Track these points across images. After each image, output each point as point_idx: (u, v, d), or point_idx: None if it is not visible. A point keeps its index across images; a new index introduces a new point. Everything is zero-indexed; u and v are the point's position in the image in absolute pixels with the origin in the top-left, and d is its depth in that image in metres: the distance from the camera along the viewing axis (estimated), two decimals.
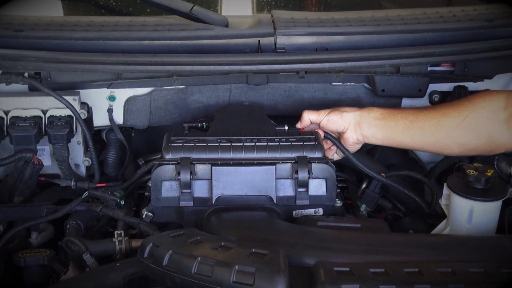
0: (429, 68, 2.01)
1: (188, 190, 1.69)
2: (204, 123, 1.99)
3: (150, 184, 1.76)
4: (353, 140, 1.83)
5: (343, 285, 1.26)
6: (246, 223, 1.62)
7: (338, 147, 1.88)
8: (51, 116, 1.94)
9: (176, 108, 2.10)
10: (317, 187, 1.72)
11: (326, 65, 1.87)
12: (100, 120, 2.07)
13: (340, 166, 2.09)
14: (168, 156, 1.71)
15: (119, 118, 2.08)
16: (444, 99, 2.07)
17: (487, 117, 1.71)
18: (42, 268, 1.64)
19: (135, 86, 2.05)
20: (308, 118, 1.86)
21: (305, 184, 1.69)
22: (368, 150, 2.12)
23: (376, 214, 1.98)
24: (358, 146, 1.88)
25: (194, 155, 1.71)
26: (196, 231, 1.51)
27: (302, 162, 1.68)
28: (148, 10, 2.25)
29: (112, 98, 2.05)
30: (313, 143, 1.75)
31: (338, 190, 1.83)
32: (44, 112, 1.94)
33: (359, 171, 1.95)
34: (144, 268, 1.42)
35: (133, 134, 2.21)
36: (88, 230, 1.83)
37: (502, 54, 1.88)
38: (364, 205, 1.95)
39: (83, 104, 2.01)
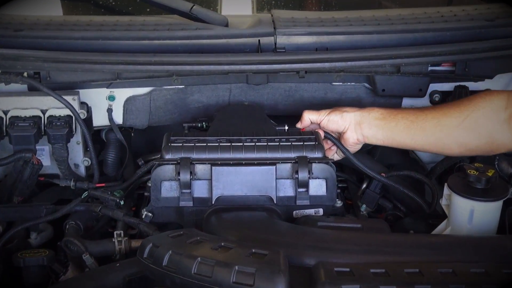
0: (430, 68, 2.00)
1: (188, 190, 1.69)
2: (204, 123, 1.99)
3: (149, 184, 1.76)
4: (353, 140, 1.83)
5: (343, 286, 1.25)
6: (246, 224, 1.62)
7: (338, 147, 1.87)
8: (50, 116, 1.93)
9: (175, 108, 2.10)
10: (317, 187, 1.72)
11: (326, 64, 1.86)
12: (99, 120, 2.07)
13: (340, 166, 2.09)
14: (168, 156, 1.71)
15: (118, 118, 2.08)
16: (445, 99, 2.07)
17: (487, 117, 1.71)
18: (42, 269, 1.64)
19: (134, 86, 2.04)
20: (309, 118, 1.86)
21: (305, 184, 1.69)
22: (369, 150, 2.12)
23: (376, 214, 1.97)
24: (359, 147, 1.87)
25: (194, 155, 1.71)
26: (196, 231, 1.51)
27: (302, 162, 1.68)
28: (148, 10, 2.25)
29: (111, 98, 2.05)
30: (313, 143, 1.74)
31: (339, 190, 1.82)
32: (44, 112, 1.94)
33: (359, 171, 1.94)
34: (144, 269, 1.42)
35: (132, 134, 2.21)
36: (88, 230, 1.83)
37: (503, 54, 1.87)
38: (364, 205, 1.95)
39: (83, 104, 2.00)
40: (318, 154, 1.72)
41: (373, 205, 1.95)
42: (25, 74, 1.92)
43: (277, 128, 1.90)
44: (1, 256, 1.67)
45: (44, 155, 2.00)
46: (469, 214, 1.60)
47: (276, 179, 1.70)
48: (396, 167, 2.08)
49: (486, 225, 1.61)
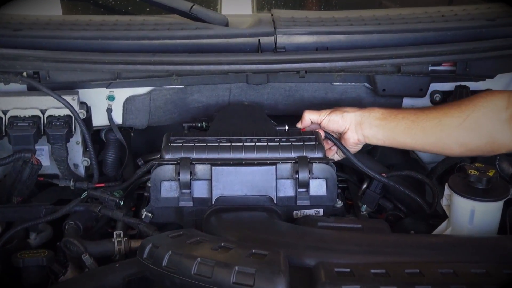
0: (430, 68, 2.00)
1: (188, 191, 1.68)
2: (203, 123, 1.99)
3: (149, 184, 1.75)
4: (354, 140, 1.83)
5: (343, 286, 1.25)
6: (246, 224, 1.61)
7: (338, 147, 1.87)
8: (50, 116, 1.93)
9: (175, 107, 2.10)
10: (318, 187, 1.71)
11: (327, 64, 1.86)
12: (99, 120, 2.06)
13: (340, 166, 2.08)
14: (168, 156, 1.70)
15: (118, 118, 2.07)
16: (446, 99, 2.07)
17: (488, 117, 1.71)
18: (41, 269, 1.63)
19: (134, 85, 2.04)
20: (309, 118, 1.85)
21: (305, 185, 1.68)
22: (369, 150, 2.12)
23: (377, 215, 1.97)
24: (359, 147, 1.87)
25: (194, 155, 1.70)
26: (195, 231, 1.50)
27: (302, 162, 1.67)
28: (148, 9, 2.25)
29: (111, 97, 2.04)
30: (314, 143, 1.74)
31: (339, 191, 1.82)
32: (43, 111, 1.93)
33: (359, 171, 1.94)
34: (144, 269, 1.42)
35: (132, 134, 2.21)
36: (87, 230, 1.82)
37: (503, 54, 1.87)
38: (364, 206, 1.95)
39: (82, 104, 2.00)
40: (318, 154, 1.72)
41: (373, 205, 1.95)
42: (25, 73, 1.92)
43: (277, 128, 1.90)
44: (1, 257, 1.67)
45: (44, 155, 2.00)
46: (469, 214, 1.59)
47: (276, 179, 1.70)
48: (396, 167, 2.08)
49: (487, 225, 1.60)
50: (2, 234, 1.73)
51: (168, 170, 1.70)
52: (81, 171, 2.07)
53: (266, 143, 1.73)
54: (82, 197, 1.84)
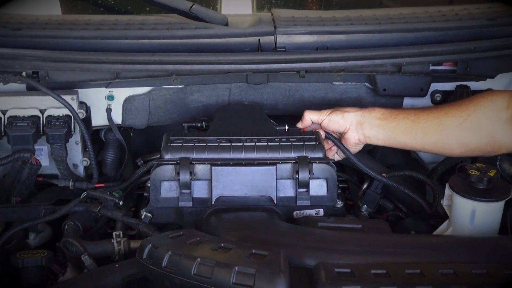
0: (431, 67, 2.00)
1: (188, 191, 1.68)
2: (203, 122, 1.98)
3: (149, 185, 1.75)
4: (354, 140, 1.82)
5: (344, 287, 1.25)
6: (246, 224, 1.61)
7: (339, 147, 1.87)
8: (49, 116, 1.93)
9: (175, 107, 2.09)
10: (318, 187, 1.71)
11: (327, 64, 1.86)
12: (98, 119, 2.06)
13: (341, 166, 2.08)
14: (167, 156, 1.70)
15: (117, 118, 2.07)
16: (446, 99, 2.07)
17: (489, 116, 1.70)
18: (40, 269, 1.63)
19: (134, 85, 2.04)
20: (310, 118, 1.85)
21: (305, 185, 1.68)
22: (370, 150, 2.11)
23: (377, 215, 1.97)
24: (360, 147, 1.87)
25: (194, 155, 1.70)
26: (195, 232, 1.50)
27: (302, 162, 1.67)
28: (147, 9, 2.24)
29: (110, 97, 2.04)
30: (314, 143, 1.74)
31: (339, 191, 1.82)
32: (42, 111, 1.93)
33: (360, 171, 1.93)
34: (143, 269, 1.41)
35: (132, 134, 2.20)
36: (87, 231, 1.82)
37: (504, 53, 1.86)
38: (365, 206, 1.94)
39: (82, 104, 2.00)
40: (318, 154, 1.71)
41: (374, 206, 1.94)
42: (24, 73, 1.92)
43: (277, 128, 1.89)
44: (0, 257, 1.66)
45: (43, 155, 1.99)
46: (470, 214, 1.59)
47: (276, 179, 1.69)
48: (397, 167, 2.07)
49: (487, 225, 1.60)
50: (1, 235, 1.73)
51: (167, 170, 1.69)
52: (81, 171, 2.07)
53: (266, 143, 1.73)
54: (81, 197, 1.84)
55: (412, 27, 1.93)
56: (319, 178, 1.70)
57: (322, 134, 1.83)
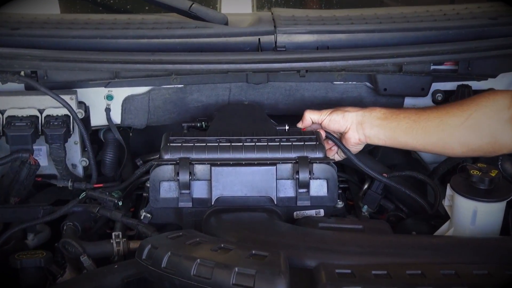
0: (432, 67, 1.99)
1: (187, 191, 1.67)
2: (203, 122, 1.98)
3: (148, 185, 1.75)
4: (355, 140, 1.81)
5: (344, 287, 1.24)
6: (246, 225, 1.61)
7: (339, 147, 1.86)
8: (47, 116, 1.92)
9: (175, 107, 2.09)
10: (318, 187, 1.70)
11: (327, 63, 1.85)
12: (97, 119, 2.06)
13: (341, 166, 2.07)
14: (167, 156, 1.69)
15: (117, 118, 2.06)
16: (447, 98, 2.06)
17: (490, 116, 1.70)
18: (39, 270, 1.63)
19: (133, 85, 2.03)
20: (310, 117, 1.84)
21: (306, 185, 1.68)
22: (370, 150, 2.11)
23: (378, 215, 1.97)
24: (360, 147, 1.86)
25: (193, 155, 1.69)
26: (195, 232, 1.50)
27: (303, 163, 1.66)
28: (147, 8, 2.24)
29: (109, 97, 2.03)
30: (314, 143, 1.73)
31: (340, 191, 1.81)
32: (41, 111, 1.93)
33: (361, 171, 1.93)
34: (142, 270, 1.41)
35: (131, 134, 2.20)
36: (86, 231, 1.82)
37: (506, 53, 1.86)
38: (366, 206, 1.94)
39: (80, 104, 2.00)
40: (319, 154, 1.71)
41: (374, 206, 1.94)
42: (22, 73, 1.91)
43: (277, 128, 1.89)
44: None
45: (41, 155, 1.99)
46: (472, 215, 1.59)
47: (276, 179, 1.69)
48: (398, 167, 2.07)
49: (489, 226, 1.60)
50: (0, 235, 1.72)
51: (167, 170, 1.69)
52: (79, 171, 2.06)
53: (266, 143, 1.72)
54: (80, 197, 1.84)
55: (413, 26, 1.93)
56: (319, 178, 1.70)
57: (323, 134, 1.82)
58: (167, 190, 1.69)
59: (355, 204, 2.00)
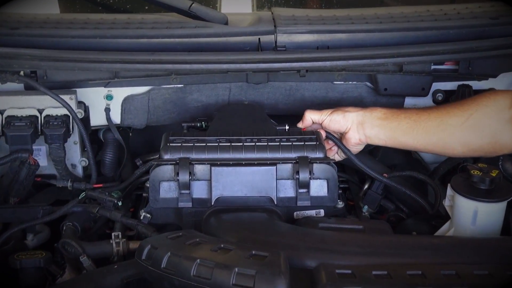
0: (433, 67, 1.99)
1: (187, 191, 1.67)
2: (203, 122, 1.97)
3: (148, 185, 1.74)
4: (355, 140, 1.81)
5: None
6: (246, 225, 1.60)
7: (339, 148, 1.86)
8: (47, 116, 1.92)
9: (174, 107, 2.08)
10: (319, 188, 1.70)
11: (328, 63, 1.85)
12: (97, 119, 2.05)
13: (342, 166, 2.07)
14: (167, 156, 1.69)
15: (116, 118, 2.06)
16: (448, 98, 2.06)
17: (491, 116, 1.69)
18: (38, 271, 1.62)
19: (133, 85, 2.03)
20: (311, 117, 1.84)
21: (306, 185, 1.67)
22: (371, 150, 2.11)
23: (378, 216, 1.97)
24: (361, 147, 1.85)
25: (193, 155, 1.69)
26: (195, 232, 1.49)
27: (303, 163, 1.66)
28: (146, 8, 2.24)
29: (109, 97, 2.03)
30: (315, 143, 1.73)
31: (340, 191, 1.81)
32: (40, 111, 1.92)
33: (361, 171, 1.93)
34: (142, 271, 1.41)
35: (130, 134, 2.20)
36: (85, 231, 1.82)
37: (507, 53, 1.85)
38: (366, 206, 1.94)
39: (80, 103, 1.99)
40: (319, 154, 1.70)
41: (375, 206, 1.94)
42: (22, 73, 1.91)
43: (277, 128, 1.88)
44: None
45: (41, 155, 1.98)
46: (472, 215, 1.59)
47: (276, 179, 1.68)
48: (398, 167, 2.07)
49: (490, 226, 1.60)
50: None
51: (167, 170, 1.68)
52: (79, 171, 2.06)
53: (266, 143, 1.72)
54: (80, 197, 1.84)
55: (414, 26, 1.92)
56: (319, 179, 1.69)
57: (323, 134, 1.82)
58: (167, 190, 1.69)
59: (355, 204, 2.00)
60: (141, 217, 1.73)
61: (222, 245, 1.37)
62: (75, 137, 1.99)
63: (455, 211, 1.63)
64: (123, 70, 1.94)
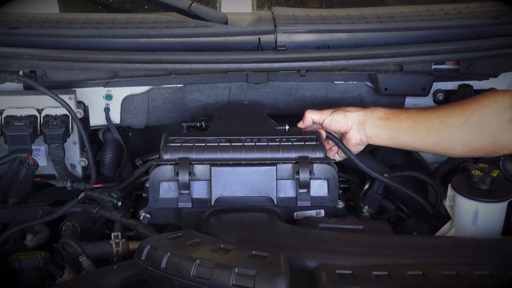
0: (433, 66, 1.99)
1: (187, 191, 1.67)
2: (203, 122, 1.97)
3: (147, 185, 1.74)
4: (356, 140, 1.81)
5: None
6: (246, 225, 1.60)
7: (340, 148, 1.85)
8: (46, 115, 1.92)
9: (174, 107, 2.08)
10: (319, 188, 1.70)
11: (328, 63, 1.84)
12: (96, 119, 2.05)
13: (342, 166, 2.07)
14: (166, 156, 1.69)
15: (116, 118, 2.06)
16: (449, 98, 2.06)
17: (492, 116, 1.69)
18: (38, 271, 1.62)
19: (132, 84, 2.03)
20: (311, 117, 1.84)
21: (306, 185, 1.67)
22: (371, 150, 2.10)
23: (379, 216, 1.96)
24: (361, 147, 1.85)
25: (193, 155, 1.69)
26: (195, 233, 1.49)
27: (303, 163, 1.66)
28: (146, 7, 2.23)
29: (109, 97, 2.03)
30: (315, 143, 1.73)
31: (340, 191, 1.80)
32: (40, 111, 1.92)
33: (361, 171, 1.92)
34: (142, 271, 1.41)
35: (130, 134, 2.19)
36: (85, 232, 1.82)
37: (507, 52, 1.85)
38: (366, 207, 1.93)
39: (79, 103, 1.99)
40: (319, 154, 1.70)
41: (375, 206, 1.93)
42: (21, 72, 1.90)
43: (277, 128, 1.88)
44: None
45: (40, 155, 1.98)
46: (473, 215, 1.58)
47: (276, 179, 1.68)
48: (399, 167, 2.06)
49: (490, 226, 1.59)
50: None
51: (166, 170, 1.68)
52: (78, 171, 2.06)
53: (266, 143, 1.71)
54: (79, 198, 1.84)
55: (414, 25, 1.92)
56: (320, 179, 1.69)
57: (323, 134, 1.81)
58: (167, 190, 1.69)
59: (355, 205, 1.99)
60: (141, 217, 1.73)
61: (222, 246, 1.37)
62: (74, 137, 1.99)
63: (455, 211, 1.63)
64: (123, 70, 1.94)
